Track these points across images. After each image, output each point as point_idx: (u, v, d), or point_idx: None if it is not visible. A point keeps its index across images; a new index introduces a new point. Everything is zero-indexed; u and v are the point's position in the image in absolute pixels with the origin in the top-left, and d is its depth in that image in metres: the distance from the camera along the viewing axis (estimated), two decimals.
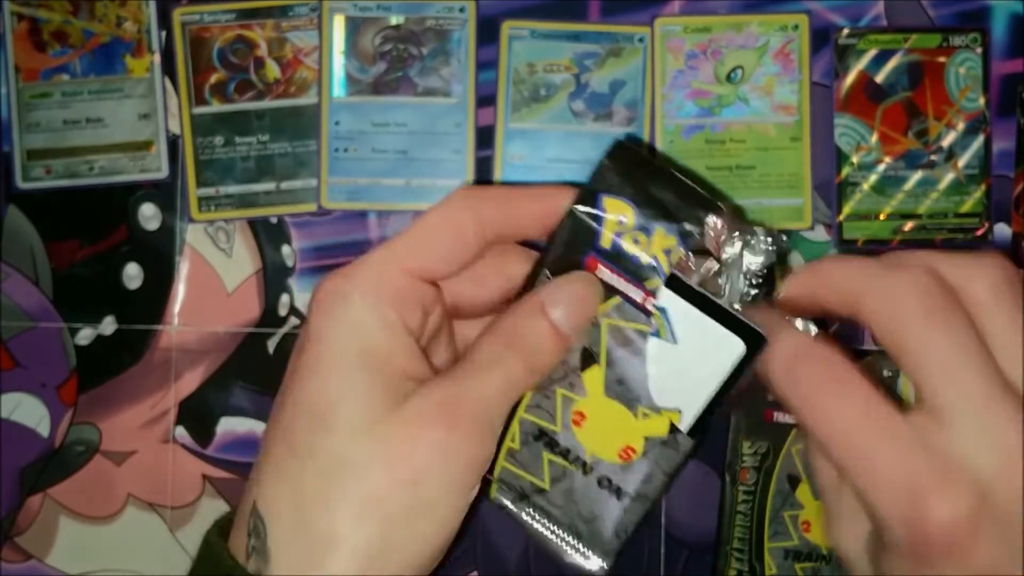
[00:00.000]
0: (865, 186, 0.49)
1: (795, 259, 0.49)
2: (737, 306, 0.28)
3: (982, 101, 0.49)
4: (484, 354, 0.28)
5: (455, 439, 0.26)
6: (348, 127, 0.49)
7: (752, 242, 0.28)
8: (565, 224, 0.29)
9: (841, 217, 0.49)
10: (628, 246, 0.29)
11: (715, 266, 0.29)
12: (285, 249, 0.50)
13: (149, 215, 0.50)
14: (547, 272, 0.29)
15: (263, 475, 0.27)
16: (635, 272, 0.29)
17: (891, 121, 0.49)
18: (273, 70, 0.50)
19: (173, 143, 0.50)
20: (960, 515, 0.23)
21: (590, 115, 0.49)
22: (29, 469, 0.49)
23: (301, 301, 0.50)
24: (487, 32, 0.49)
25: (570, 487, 0.30)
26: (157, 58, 0.50)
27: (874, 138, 0.49)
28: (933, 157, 0.49)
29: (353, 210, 0.50)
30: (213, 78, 0.50)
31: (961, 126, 0.49)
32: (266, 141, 0.50)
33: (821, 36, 0.49)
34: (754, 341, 0.28)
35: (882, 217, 0.49)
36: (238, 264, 0.50)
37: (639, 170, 0.29)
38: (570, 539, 0.30)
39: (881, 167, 0.49)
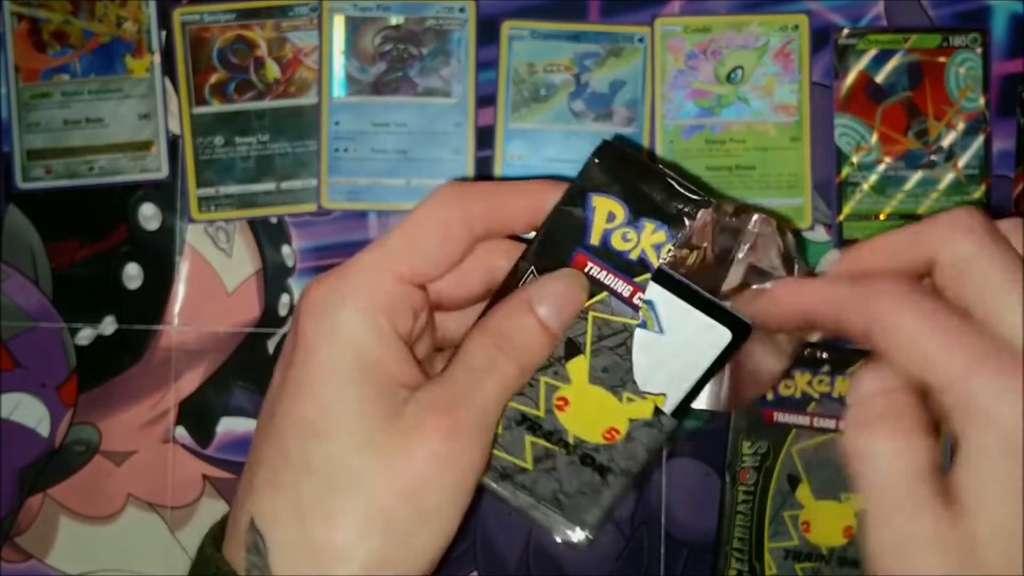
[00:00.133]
0: (865, 186, 0.49)
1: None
2: (726, 290, 0.29)
3: (982, 101, 0.49)
4: (476, 358, 0.28)
5: (453, 447, 0.26)
6: (348, 127, 0.49)
7: (742, 232, 0.29)
8: (553, 221, 0.29)
9: (841, 217, 0.49)
10: (617, 242, 0.29)
11: (704, 258, 0.29)
12: (285, 249, 0.50)
13: (149, 215, 0.50)
14: (533, 269, 0.29)
15: (257, 488, 0.27)
16: (624, 268, 0.29)
17: (891, 121, 0.49)
18: (273, 70, 0.50)
19: (173, 143, 0.50)
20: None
21: (590, 115, 0.49)
22: (29, 469, 0.49)
23: None
24: (487, 32, 0.49)
25: (553, 466, 0.30)
26: (157, 58, 0.50)
27: (874, 138, 0.49)
28: (933, 157, 0.49)
29: (353, 210, 0.50)
30: (213, 78, 0.50)
31: (961, 126, 0.49)
32: (266, 141, 0.49)
33: (821, 36, 0.49)
34: (740, 330, 0.29)
35: (882, 217, 0.49)
36: (238, 264, 0.50)
37: (627, 168, 0.29)
38: (553, 512, 0.30)
39: (881, 167, 0.49)
